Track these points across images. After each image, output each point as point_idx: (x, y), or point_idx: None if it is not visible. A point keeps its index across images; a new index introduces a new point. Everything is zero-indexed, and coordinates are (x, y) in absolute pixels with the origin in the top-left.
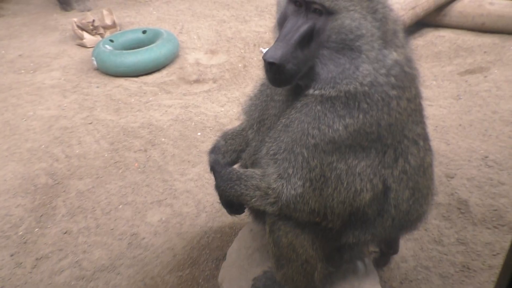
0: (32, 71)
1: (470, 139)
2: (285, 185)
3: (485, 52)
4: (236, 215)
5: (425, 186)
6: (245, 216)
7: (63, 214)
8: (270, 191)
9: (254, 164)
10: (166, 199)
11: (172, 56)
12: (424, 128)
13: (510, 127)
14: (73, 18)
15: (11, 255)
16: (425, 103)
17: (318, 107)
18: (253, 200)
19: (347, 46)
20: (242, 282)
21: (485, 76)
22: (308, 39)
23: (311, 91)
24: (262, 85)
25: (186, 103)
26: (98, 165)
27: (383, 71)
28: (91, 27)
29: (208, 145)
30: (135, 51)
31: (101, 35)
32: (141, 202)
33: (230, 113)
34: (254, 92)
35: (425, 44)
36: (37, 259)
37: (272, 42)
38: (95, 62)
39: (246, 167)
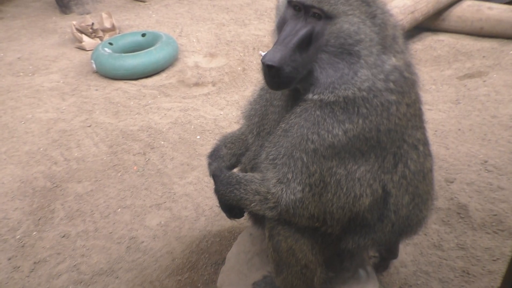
0: (31, 74)
1: (470, 144)
2: (284, 190)
3: (484, 56)
4: (236, 219)
5: (425, 191)
6: (245, 220)
7: (61, 218)
8: (270, 196)
9: (253, 168)
10: (165, 202)
11: (171, 59)
12: (423, 133)
13: (509, 131)
14: (72, 21)
15: (9, 259)
16: (424, 108)
17: (318, 112)
18: (253, 204)
19: (346, 51)
20: (241, 286)
21: (484, 81)
22: (307, 43)
23: (310, 95)
24: (262, 89)
25: (186, 106)
26: (97, 168)
27: (381, 76)
28: (90, 30)
29: (207, 148)
30: (134, 54)
31: (100, 38)
32: (140, 206)
33: (230, 116)
34: (253, 96)
35: (424, 48)
36: (35, 263)
37: (271, 45)
38: (94, 65)
39: (246, 171)
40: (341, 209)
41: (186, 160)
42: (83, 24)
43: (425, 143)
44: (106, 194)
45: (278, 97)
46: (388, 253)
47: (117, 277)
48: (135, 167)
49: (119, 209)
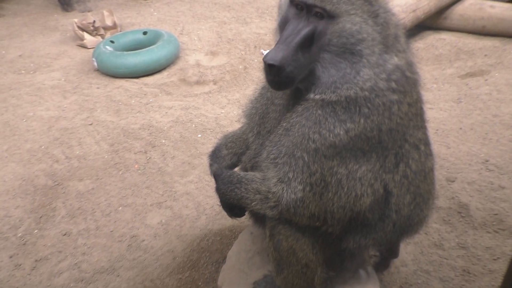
0: (32, 72)
1: (471, 143)
2: (285, 189)
3: (485, 55)
4: (236, 218)
5: (426, 191)
6: (245, 219)
7: (62, 216)
8: (270, 195)
9: (254, 167)
10: (166, 201)
11: (172, 57)
12: (425, 132)
13: (510, 130)
14: (74, 19)
15: (10, 257)
16: (425, 107)
17: (319, 112)
18: (253, 203)
19: (348, 50)
20: (241, 285)
21: (486, 79)
22: (309, 42)
23: (311, 95)
24: (263, 88)
25: (187, 105)
26: (98, 167)
27: (383, 76)
28: (92, 28)
29: (208, 147)
30: (136, 52)
31: (102, 36)
32: (141, 204)
33: (231, 115)
34: (254, 95)
35: (426, 47)
36: (36, 260)
37: (273, 44)
38: (95, 63)
39: (247, 170)
40: (342, 208)
41: (187, 158)
42: (84, 22)
43: (427, 143)
44: (107, 192)
45: (279, 96)
46: (389, 253)
47: (118, 275)
48: (136, 166)
49: (120, 208)
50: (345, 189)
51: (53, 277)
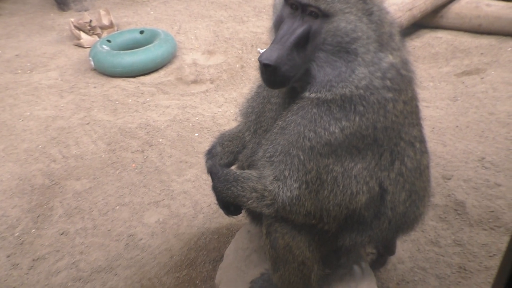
0: (29, 71)
1: (467, 141)
2: (281, 187)
3: (482, 53)
4: (233, 216)
5: (421, 188)
6: (242, 217)
7: (60, 215)
8: (267, 193)
9: (251, 166)
10: (163, 200)
11: (169, 56)
12: (420, 130)
13: (506, 128)
14: (70, 18)
15: (8, 256)
16: (421, 105)
17: (314, 110)
18: (250, 201)
19: (343, 49)
20: (239, 283)
21: (482, 78)
22: (304, 41)
23: (307, 94)
24: (259, 87)
25: (184, 104)
26: (95, 166)
27: (378, 74)
28: (88, 27)
29: (205, 146)
30: (133, 51)
31: (99, 35)
32: (138, 203)
33: (228, 114)
34: (251, 94)
35: (422, 45)
36: (33, 260)
37: (269, 43)
38: (92, 62)
39: (243, 169)
40: (338, 206)
41: (184, 157)
42: (81, 21)
43: (422, 140)
44: (104, 191)
45: (275, 95)
46: (385, 250)
47: (116, 274)
48: (133, 165)
49: (118, 207)
50: (341, 187)
51: (51, 276)
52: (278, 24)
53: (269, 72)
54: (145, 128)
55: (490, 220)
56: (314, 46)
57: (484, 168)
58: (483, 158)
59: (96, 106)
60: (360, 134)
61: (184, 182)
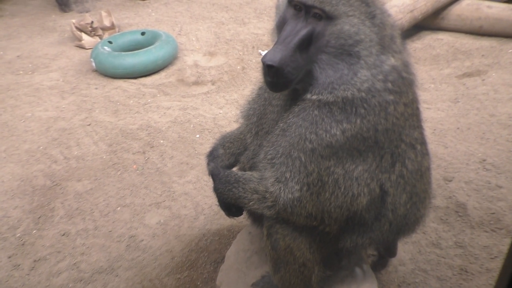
0: (30, 72)
1: (468, 142)
2: (282, 189)
3: (483, 55)
4: (235, 218)
5: (422, 190)
6: (244, 219)
7: (61, 216)
8: (268, 195)
9: (252, 167)
10: (164, 201)
11: (170, 58)
12: (421, 132)
13: (507, 130)
14: (72, 19)
15: (9, 257)
16: (423, 106)
17: (316, 112)
18: (251, 203)
19: (346, 52)
20: (240, 285)
21: (483, 79)
22: (307, 43)
23: (308, 95)
24: (260, 89)
25: (185, 105)
26: (97, 167)
27: (380, 77)
28: (90, 28)
29: (206, 147)
30: (134, 52)
31: (100, 36)
32: (139, 204)
33: (229, 115)
34: (252, 96)
35: (423, 47)
36: (35, 261)
37: (270, 44)
38: (93, 64)
39: (244, 171)
40: (339, 208)
41: (186, 159)
42: (82, 23)
43: (423, 142)
44: (105, 192)
45: (277, 97)
46: (386, 252)
47: (117, 275)
48: (134, 166)
49: (119, 208)
50: (342, 189)
51: (52, 277)
52: (281, 25)
53: (273, 73)
54: (146, 130)
55: (491, 222)
56: (317, 48)
57: (485, 170)
58: (484, 160)
59: (97, 107)
60: (361, 136)
61: (185, 184)
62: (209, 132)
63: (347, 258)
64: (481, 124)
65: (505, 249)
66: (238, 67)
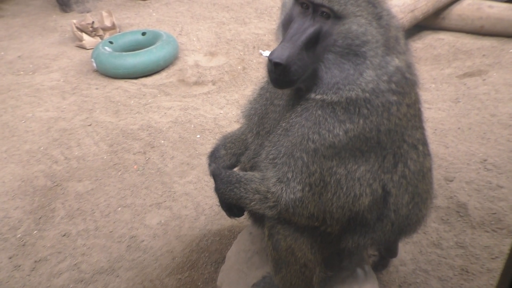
0: (31, 73)
1: (469, 142)
2: (284, 189)
3: (484, 55)
4: (236, 218)
5: (424, 191)
6: (245, 219)
7: (62, 217)
8: (269, 195)
9: (253, 167)
10: (165, 201)
11: (171, 58)
12: (423, 133)
13: (508, 130)
14: (73, 20)
15: (10, 258)
16: (424, 106)
17: (319, 112)
18: (252, 203)
19: (353, 52)
20: (241, 285)
21: (484, 79)
22: (314, 42)
23: (312, 95)
24: (262, 88)
25: (186, 105)
26: (97, 167)
27: (385, 77)
28: (91, 28)
29: (207, 147)
30: (135, 53)
31: (101, 36)
32: (140, 205)
33: (230, 115)
34: (253, 95)
35: (424, 47)
36: (35, 261)
37: (271, 44)
38: (94, 64)
39: (246, 171)
40: (341, 208)
41: (186, 159)
42: (83, 23)
43: (425, 143)
44: (106, 193)
45: (278, 96)
46: (387, 252)
47: (118, 276)
48: (135, 166)
49: (120, 208)
50: (344, 189)
51: (53, 278)
52: (286, 23)
53: (279, 71)
54: (147, 130)
55: (492, 222)
56: (323, 47)
57: (486, 170)
58: (485, 160)
59: (98, 108)
60: (364, 137)
61: (186, 184)
62: (209, 132)
63: (349, 258)
64: (482, 124)
65: (506, 249)
66: (239, 67)
